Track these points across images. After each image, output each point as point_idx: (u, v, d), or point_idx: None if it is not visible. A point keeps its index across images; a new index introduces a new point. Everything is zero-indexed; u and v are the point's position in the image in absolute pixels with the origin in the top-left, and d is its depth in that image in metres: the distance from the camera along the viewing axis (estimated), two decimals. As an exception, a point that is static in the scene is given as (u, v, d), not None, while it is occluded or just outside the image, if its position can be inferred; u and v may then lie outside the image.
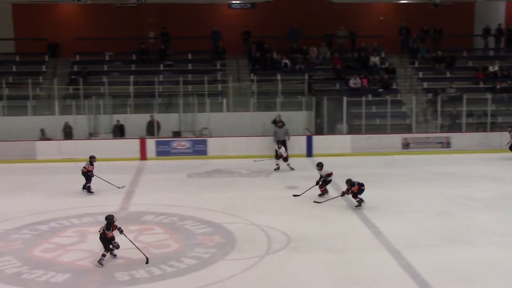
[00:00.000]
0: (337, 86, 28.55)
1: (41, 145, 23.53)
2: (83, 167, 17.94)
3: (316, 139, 24.23)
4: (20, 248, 13.40)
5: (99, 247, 13.37)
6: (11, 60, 29.24)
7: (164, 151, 23.58)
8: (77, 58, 29.70)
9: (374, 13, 32.38)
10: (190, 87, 26.89)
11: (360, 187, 16.27)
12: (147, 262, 12.34)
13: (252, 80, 27.66)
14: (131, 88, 26.46)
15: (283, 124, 23.63)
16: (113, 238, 12.50)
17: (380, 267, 12.19)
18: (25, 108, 25.66)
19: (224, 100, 25.05)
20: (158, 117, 25.03)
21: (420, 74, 29.84)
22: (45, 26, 30.16)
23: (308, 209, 16.43)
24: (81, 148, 23.11)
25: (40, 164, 22.77)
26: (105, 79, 26.91)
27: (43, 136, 24.43)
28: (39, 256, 12.95)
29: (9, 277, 11.82)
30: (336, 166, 19.41)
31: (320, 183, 17.38)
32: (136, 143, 23.64)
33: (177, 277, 11.82)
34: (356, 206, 16.31)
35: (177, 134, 24.79)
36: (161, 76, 28.04)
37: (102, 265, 12.30)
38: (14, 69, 28.43)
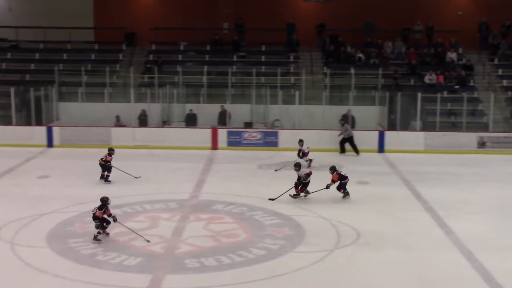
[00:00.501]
0: (412, 82, 28.01)
1: (116, 131, 24.11)
2: (101, 159, 18.21)
3: (389, 135, 23.85)
4: (95, 231, 13.78)
5: (170, 232, 13.68)
6: (90, 49, 30.09)
7: (235, 142, 23.76)
8: (153, 47, 30.27)
9: (453, 7, 31.59)
10: (262, 79, 26.98)
11: (342, 179, 16.40)
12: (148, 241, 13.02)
13: (325, 74, 27.50)
14: (204, 78, 26.79)
15: (345, 121, 23.30)
16: (103, 219, 13.08)
17: (452, 267, 11.92)
18: (102, 95, 26.37)
19: (297, 93, 24.98)
20: (230, 107, 25.24)
21: (500, 72, 28.92)
22: (123, 15, 30.88)
23: (378, 205, 16.22)
24: (154, 135, 23.61)
25: (115, 149, 23.29)
26: (179, 68, 27.31)
27: (118, 122, 25.06)
28: (113, 239, 13.29)
29: (84, 257, 12.21)
30: (408, 163, 19.07)
31: (300, 186, 16.39)
32: (207, 132, 23.90)
33: (245, 266, 11.90)
34: (342, 197, 16.60)
35: (248, 125, 24.93)
36: (234, 67, 28.24)
37: (100, 240, 13.04)
38: (93, 57, 29.23)
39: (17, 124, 24.63)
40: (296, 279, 11.30)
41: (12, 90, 24.76)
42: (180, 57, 29.53)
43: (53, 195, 16.71)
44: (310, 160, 20.26)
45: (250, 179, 18.96)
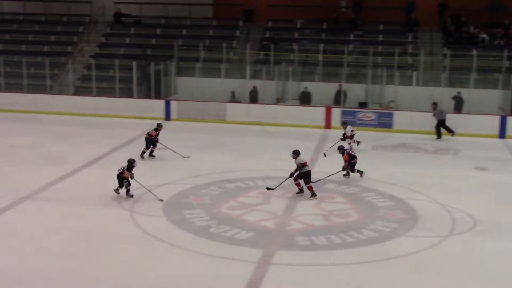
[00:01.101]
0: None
1: (231, 107, 24.52)
2: (147, 133, 18.29)
3: (511, 120, 22.71)
4: (209, 203, 14.15)
5: (282, 209, 13.78)
6: (208, 25, 30.62)
7: (349, 122, 23.45)
8: (270, 24, 30.36)
9: None
10: (379, 59, 26.41)
11: (351, 158, 16.04)
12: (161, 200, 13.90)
13: (444, 55, 26.51)
14: (320, 57, 26.59)
15: (437, 106, 22.33)
16: (127, 179, 14.15)
17: None
18: (218, 70, 26.83)
19: (414, 74, 24.27)
20: (345, 87, 24.93)
21: None
22: (241, -8, 31.14)
23: (497, 193, 15.55)
24: (268, 112, 23.79)
25: (229, 125, 23.75)
26: (295, 46, 27.26)
27: (234, 98, 25.45)
28: (226, 213, 13.57)
29: (198, 229, 12.56)
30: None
31: (295, 175, 14.83)
32: (321, 111, 23.78)
33: (356, 247, 11.80)
34: (361, 176, 16.26)
35: (363, 105, 24.56)
36: (350, 46, 27.83)
37: (119, 193, 14.25)
38: (210, 33, 29.74)
39: (137, 97, 25.65)
40: (409, 264, 11.07)
41: (134, 64, 25.77)
42: (296, 35, 29.45)
43: (169, 167, 17.29)
44: (358, 142, 19.40)
45: (363, 160, 18.66)
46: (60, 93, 26.80)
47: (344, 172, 16.44)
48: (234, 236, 12.23)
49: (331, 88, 25.03)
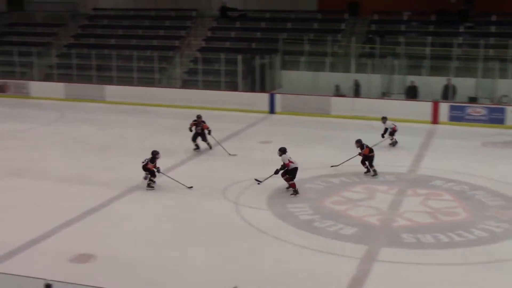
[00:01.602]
0: None
1: (335, 100, 24.32)
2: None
3: None
4: (313, 198, 14.12)
5: (387, 205, 13.55)
6: (313, 18, 30.50)
7: (457, 117, 22.72)
8: (375, 17, 29.84)
9: None
10: (491, 51, 25.34)
11: (370, 152, 15.60)
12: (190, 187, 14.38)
13: None
14: (427, 50, 25.86)
15: None
16: (153, 171, 14.46)
17: None
18: (322, 64, 26.68)
19: (529, 67, 23.13)
20: (454, 81, 24.11)
21: None
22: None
23: None
24: (373, 106, 23.40)
25: (333, 119, 23.58)
26: (401, 39, 26.65)
27: (338, 92, 25.23)
28: (330, 207, 13.50)
29: (302, 223, 12.57)
30: None
31: (281, 172, 14.37)
32: (428, 106, 23.13)
33: (465, 247, 11.42)
34: (372, 175, 15.64)
35: (473, 100, 23.65)
36: (460, 38, 26.86)
37: (152, 187, 14.56)
38: (315, 26, 29.61)
39: (242, 90, 25.97)
40: (523, 267, 10.61)
41: (239, 57, 26.10)
42: (403, 27, 28.78)
43: (273, 160, 17.32)
44: (394, 143, 18.92)
45: (473, 157, 18.07)
46: (168, 86, 27.58)
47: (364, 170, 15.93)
48: (338, 231, 12.15)
49: (439, 82, 24.27)
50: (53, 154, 18.18)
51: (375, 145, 17.72)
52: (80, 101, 26.76)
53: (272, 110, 24.63)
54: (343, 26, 29.58)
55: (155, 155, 14.75)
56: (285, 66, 26.92)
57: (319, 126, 22.18)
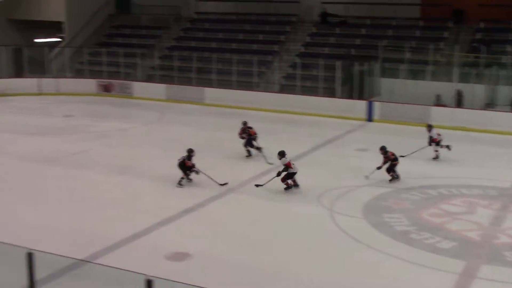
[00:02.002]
0: None
1: (436, 110, 23.65)
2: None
3: None
4: (410, 208, 13.81)
5: (488, 221, 13.06)
6: (415, 25, 29.84)
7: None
8: (481, 25, 28.83)
9: None
10: None
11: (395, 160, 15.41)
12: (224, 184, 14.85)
13: None
14: (535, 60, 24.74)
15: None
16: (189, 167, 14.91)
17: None
18: (423, 72, 26.06)
19: None
20: None
21: None
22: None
23: None
24: (475, 117, 22.61)
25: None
26: (509, 48, 25.62)
27: (438, 102, 24.55)
28: (427, 219, 13.15)
29: (397, 233, 12.32)
30: None
31: (283, 175, 14.76)
32: (536, 118, 22.12)
33: None
34: (390, 181, 15.48)
35: None
36: None
37: (182, 185, 14.96)
38: (417, 34, 28.96)
39: (340, 97, 25.78)
40: None
41: (338, 64, 25.94)
42: (510, 36, 27.66)
43: (370, 169, 17.09)
44: (448, 147, 18.00)
45: None
46: (266, 90, 27.77)
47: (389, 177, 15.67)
48: (436, 244, 11.81)
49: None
50: (152, 153, 18.71)
51: (413, 152, 17.78)
52: (179, 102, 27.42)
53: (369, 118, 24.30)
54: (446, 34, 28.75)
55: (190, 153, 15.16)
56: (384, 73, 26.47)
57: (417, 136, 21.61)
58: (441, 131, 21.61)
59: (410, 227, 12.67)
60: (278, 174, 14.81)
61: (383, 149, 15.81)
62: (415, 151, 17.93)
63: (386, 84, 26.01)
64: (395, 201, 14.29)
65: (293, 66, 28.30)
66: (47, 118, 23.86)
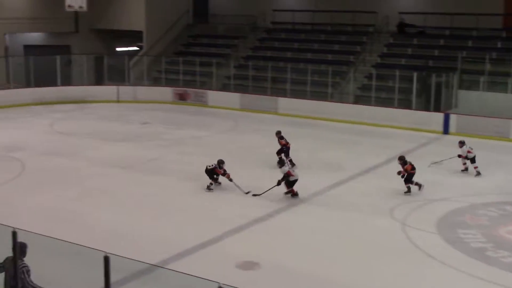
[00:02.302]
0: None
1: (517, 124, 22.89)
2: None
3: None
4: (486, 225, 13.39)
5: None
6: (497, 36, 28.97)
7: None
8: None
9: None
10: None
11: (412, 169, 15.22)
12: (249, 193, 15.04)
13: None
14: None
15: None
16: (217, 174, 15.51)
17: None
18: (505, 85, 25.24)
19: None
20: None
21: None
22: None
23: None
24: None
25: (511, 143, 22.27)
26: None
27: (519, 115, 23.72)
28: (505, 237, 12.72)
29: (472, 250, 11.96)
30: None
31: (283, 182, 14.92)
32: None
33: None
34: (405, 192, 15.28)
35: None
36: None
37: (211, 189, 15.45)
38: (499, 45, 28.11)
39: (415, 109, 25.30)
40: None
41: (414, 75, 25.48)
42: None
43: (446, 183, 16.72)
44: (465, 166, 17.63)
45: None
46: (340, 101, 27.58)
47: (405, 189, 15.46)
48: (513, 263, 11.40)
49: None
50: (226, 162, 18.84)
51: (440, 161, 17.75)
52: (253, 111, 27.59)
53: (446, 131, 23.72)
54: (528, 46, 27.80)
55: (220, 163, 15.61)
56: (462, 85, 25.81)
57: (497, 150, 21.00)
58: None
59: (486, 244, 12.27)
60: (279, 183, 14.89)
61: (402, 159, 15.64)
62: (443, 160, 18.10)
63: (463, 96, 25.35)
64: (470, 217, 13.88)
65: (369, 77, 28.00)
66: (125, 125, 24.51)
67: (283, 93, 28.38)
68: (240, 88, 29.53)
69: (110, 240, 12.06)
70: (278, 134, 18.45)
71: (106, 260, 6.67)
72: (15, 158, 18.72)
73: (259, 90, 29.07)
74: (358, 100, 27.46)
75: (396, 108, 25.55)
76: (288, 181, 14.99)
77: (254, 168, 18.03)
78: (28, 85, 29.54)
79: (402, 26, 30.50)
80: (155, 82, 32.25)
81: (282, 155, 16.83)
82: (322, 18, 32.66)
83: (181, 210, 14.36)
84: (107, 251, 6.78)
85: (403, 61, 28.46)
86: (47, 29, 33.44)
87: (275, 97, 28.01)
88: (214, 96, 29.44)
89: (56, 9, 31.15)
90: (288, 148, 18.07)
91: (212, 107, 28.82)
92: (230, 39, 34.18)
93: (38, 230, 9.41)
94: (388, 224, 13.43)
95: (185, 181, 16.64)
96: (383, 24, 31.00)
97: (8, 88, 28.87)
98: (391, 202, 14.76)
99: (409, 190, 15.47)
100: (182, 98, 29.99)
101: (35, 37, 33.68)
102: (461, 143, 17.91)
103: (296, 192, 15.05)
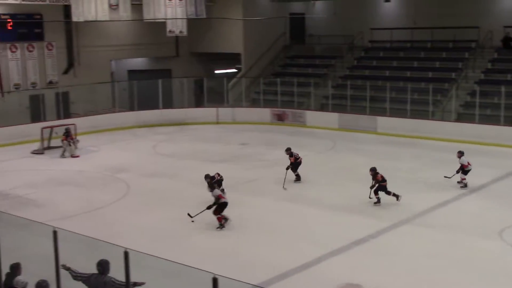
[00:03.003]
0: None
1: None
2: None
3: None
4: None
5: None
6: None
7: None
8: None
9: None
10: None
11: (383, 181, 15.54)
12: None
13: None
14: None
15: None
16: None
17: None
18: None
19: None
20: None
21: None
22: None
23: None
24: None
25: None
26: None
27: None
28: None
29: None
30: None
31: (213, 208, 14.40)
32: None
33: None
34: (374, 203, 15.61)
35: None
36: None
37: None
38: None
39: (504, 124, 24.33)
40: None
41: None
42: None
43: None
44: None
45: None
46: (442, 119, 26.82)
47: (374, 200, 15.78)
48: None
49: None
50: (323, 182, 18.75)
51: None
52: (352, 131, 27.29)
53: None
54: None
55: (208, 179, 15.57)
56: None
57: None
58: None
59: None
60: (209, 207, 14.46)
61: (373, 170, 15.98)
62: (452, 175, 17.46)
63: None
64: None
65: (472, 93, 27.05)
66: (224, 146, 24.86)
67: (382, 112, 27.92)
68: (338, 108, 29.31)
69: (216, 260, 12.18)
70: (288, 151, 18.80)
71: (215, 282, 6.68)
72: (120, 179, 19.39)
73: (358, 109, 28.75)
74: (460, 118, 26.58)
75: (502, 125, 24.52)
76: (220, 204, 14.44)
77: (352, 188, 17.76)
78: (131, 108, 30.66)
79: (507, 40, 29.35)
80: (253, 103, 32.60)
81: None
82: (421, 35, 31.97)
83: (280, 231, 14.31)
84: (211, 271, 6.82)
85: (509, 77, 27.35)
86: (149, 54, 34.64)
87: (374, 116, 27.61)
88: (312, 116, 29.39)
89: (158, 35, 32.20)
90: (298, 164, 18.61)
91: (310, 127, 28.78)
92: (327, 59, 34.09)
93: (145, 250, 9.63)
94: (497, 247, 12.83)
95: (283, 201, 16.63)
96: (486, 39, 29.96)
97: (114, 112, 30.06)
98: (499, 224, 14.09)
99: (378, 201, 15.78)
100: (280, 118, 30.13)
101: (138, 62, 34.97)
102: (460, 153, 17.80)
103: (225, 219, 14.52)
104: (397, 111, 27.67)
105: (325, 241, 13.38)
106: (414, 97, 27.81)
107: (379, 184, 15.84)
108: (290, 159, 18.71)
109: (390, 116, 27.44)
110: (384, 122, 27.04)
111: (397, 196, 15.91)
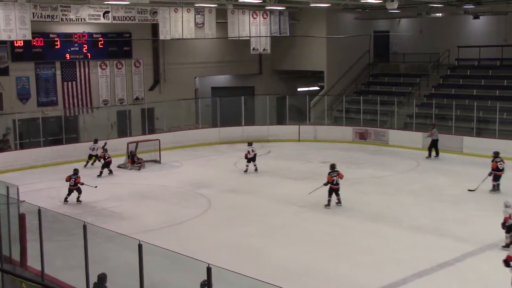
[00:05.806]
0: None
1: None
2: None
3: None
4: None
5: None
6: None
7: None
8: None
9: None
10: None
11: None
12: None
13: None
14: None
15: None
16: None
17: None
18: None
19: None
20: None
21: None
22: None
23: None
24: None
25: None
26: None
27: None
28: None
29: None
30: None
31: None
32: None
33: None
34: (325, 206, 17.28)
35: None
36: None
37: None
38: None
39: None
40: None
41: None
42: None
43: None
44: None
45: None
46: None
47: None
48: None
49: None
50: (407, 202, 18.35)
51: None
52: (436, 151, 26.61)
53: None
54: None
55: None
56: None
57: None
58: None
59: None
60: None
61: (333, 167, 17.69)
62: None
63: None
64: None
65: None
66: (305, 164, 24.76)
67: (469, 132, 27.11)
68: (423, 127, 28.67)
69: (290, 276, 12.11)
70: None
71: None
72: (202, 194, 19.65)
73: (443, 129, 27.99)
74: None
75: None
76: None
77: (437, 209, 17.30)
78: (214, 125, 31.10)
79: None
80: (336, 121, 32.40)
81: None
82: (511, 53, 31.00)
83: (361, 250, 14.09)
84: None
85: None
86: (233, 72, 35.13)
87: (460, 136, 26.83)
88: (395, 135, 28.88)
89: (242, 52, 32.64)
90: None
91: (393, 146, 28.28)
92: (412, 77, 33.49)
93: (225, 265, 9.69)
94: None
95: (365, 220, 16.38)
96: None
97: (197, 128, 30.59)
98: None
99: (328, 204, 17.43)
100: (362, 137, 29.79)
101: (222, 79, 35.51)
102: (496, 153, 18.26)
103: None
104: (484, 131, 26.82)
105: (407, 262, 13.05)
106: (502, 117, 26.89)
107: (330, 186, 17.52)
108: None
109: (477, 136, 26.61)
110: (470, 142, 26.21)
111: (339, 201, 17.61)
